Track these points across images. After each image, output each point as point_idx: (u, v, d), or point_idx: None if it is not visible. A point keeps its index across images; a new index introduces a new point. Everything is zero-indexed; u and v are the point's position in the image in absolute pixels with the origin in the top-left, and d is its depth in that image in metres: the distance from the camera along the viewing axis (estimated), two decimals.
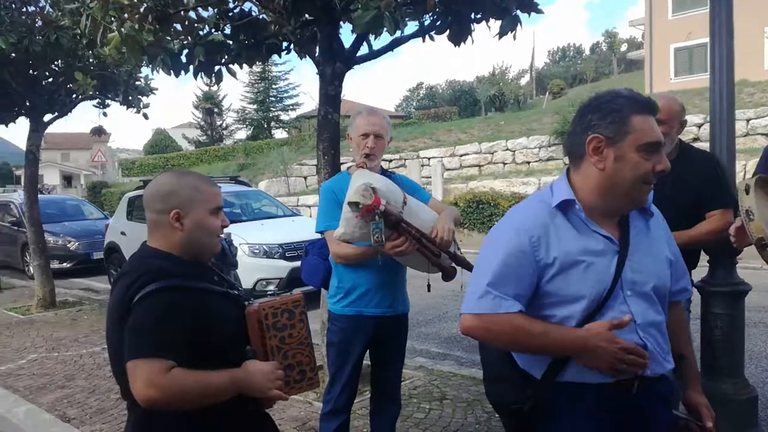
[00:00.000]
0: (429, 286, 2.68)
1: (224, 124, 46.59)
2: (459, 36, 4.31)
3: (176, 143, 43.36)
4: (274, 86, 44.39)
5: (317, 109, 4.64)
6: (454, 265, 2.64)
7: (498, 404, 1.82)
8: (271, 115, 44.75)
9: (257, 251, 7.82)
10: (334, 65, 4.49)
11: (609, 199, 1.62)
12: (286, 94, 44.89)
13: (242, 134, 45.43)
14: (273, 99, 44.75)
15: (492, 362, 1.77)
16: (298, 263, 7.86)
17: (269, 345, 1.74)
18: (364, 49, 4.62)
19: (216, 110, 45.58)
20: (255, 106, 44.56)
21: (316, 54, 4.60)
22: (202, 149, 37.05)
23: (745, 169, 11.71)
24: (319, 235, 2.98)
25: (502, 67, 41.27)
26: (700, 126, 14.93)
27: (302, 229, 8.70)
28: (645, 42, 26.89)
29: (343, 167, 3.49)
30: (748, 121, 15.32)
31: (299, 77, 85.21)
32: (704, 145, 3.24)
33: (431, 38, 4.54)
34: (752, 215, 2.27)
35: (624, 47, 42.73)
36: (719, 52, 2.98)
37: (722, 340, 2.98)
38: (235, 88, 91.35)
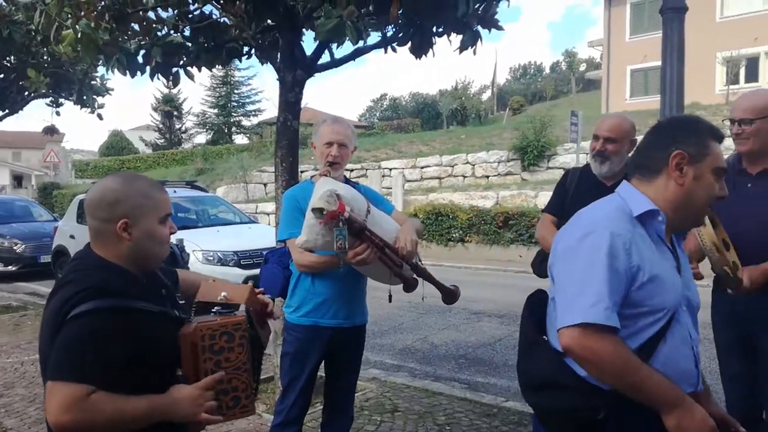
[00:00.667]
0: (390, 297, 2.68)
1: (183, 128, 45.75)
2: (421, 49, 4.34)
3: (133, 145, 42.33)
4: (236, 91, 43.90)
5: (277, 116, 4.60)
6: (415, 276, 2.64)
7: (557, 411, 1.67)
8: (232, 120, 44.20)
9: (211, 258, 7.69)
10: (295, 72, 4.46)
11: (680, 216, 1.66)
12: (248, 100, 44.47)
13: (202, 138, 44.75)
14: (235, 104, 44.22)
15: (543, 369, 1.67)
16: (254, 271, 7.76)
17: (203, 368, 1.66)
18: (326, 58, 4.61)
19: (175, 113, 44.73)
20: (216, 111, 43.93)
21: (278, 60, 4.57)
22: (159, 152, 36.30)
23: None
24: (277, 244, 2.95)
25: (464, 81, 41.86)
26: None
27: (259, 236, 8.62)
28: (603, 63, 27.67)
29: (305, 175, 3.49)
30: None
31: (262, 83, 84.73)
32: None
33: (393, 50, 4.56)
34: (729, 246, 2.43)
35: (583, 67, 43.85)
36: (670, 74, 3.08)
37: None
38: (196, 91, 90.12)
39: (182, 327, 1.68)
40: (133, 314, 1.57)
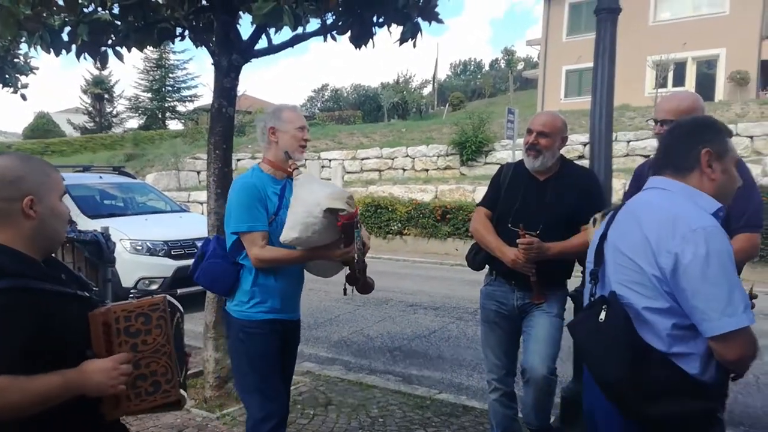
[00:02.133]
0: (345, 290, 2.73)
1: (114, 112, 43.94)
2: (360, 38, 4.29)
3: (60, 128, 40.25)
4: (171, 75, 42.44)
5: (212, 101, 4.44)
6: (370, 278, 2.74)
7: (680, 416, 1.69)
8: (166, 105, 42.79)
9: (140, 248, 7.38)
10: (231, 57, 4.32)
11: None
12: (183, 85, 43.08)
13: (134, 123, 43.11)
14: (169, 88, 42.80)
15: (661, 377, 1.69)
16: (185, 262, 7.50)
17: (117, 352, 1.59)
18: (263, 43, 4.49)
19: (106, 96, 42.89)
20: (149, 95, 42.40)
21: (212, 44, 4.42)
22: (87, 136, 34.70)
23: (624, 187, 12.60)
24: (205, 233, 2.81)
25: (406, 75, 42.03)
26: (585, 145, 15.90)
27: (190, 226, 8.34)
28: (540, 62, 28.34)
29: (242, 164, 3.37)
30: (628, 142, 16.51)
31: (199, 68, 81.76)
32: (588, 163, 3.40)
33: (333, 38, 4.49)
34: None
35: (521, 65, 44.85)
36: (601, 74, 3.15)
37: None
38: (129, 74, 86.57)
39: (94, 309, 1.63)
40: (32, 294, 1.50)
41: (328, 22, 4.44)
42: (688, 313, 1.66)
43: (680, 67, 22.83)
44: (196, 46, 4.74)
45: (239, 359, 2.65)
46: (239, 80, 4.46)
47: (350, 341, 6.19)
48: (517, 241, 2.81)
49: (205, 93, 42.60)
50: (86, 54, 4.32)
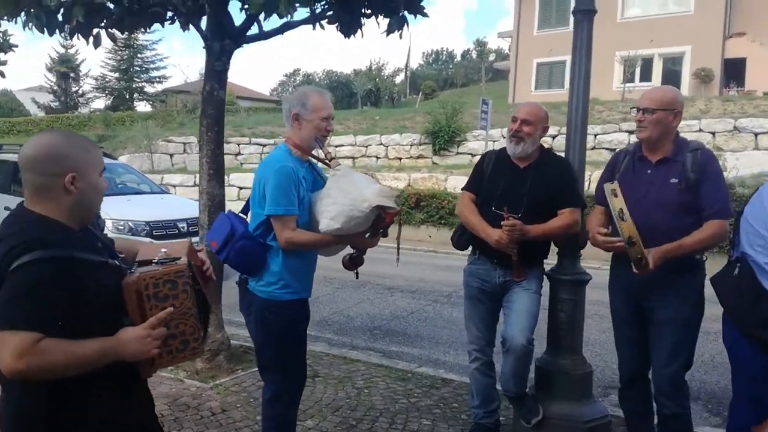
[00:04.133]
0: (357, 273, 2.91)
1: (81, 91, 42.98)
2: (349, 28, 4.46)
3: (24, 107, 39.25)
4: (139, 55, 41.67)
5: (202, 84, 4.56)
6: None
7: None
8: (134, 85, 42.02)
9: (122, 228, 7.46)
10: (223, 41, 4.46)
11: None
12: (152, 65, 42.39)
13: (100, 103, 42.23)
14: (138, 69, 42.02)
15: None
16: (167, 242, 7.58)
17: (149, 316, 1.73)
18: (254, 30, 4.63)
19: (72, 75, 41.91)
20: (117, 75, 41.57)
21: (204, 28, 4.54)
22: (54, 116, 33.92)
23: (590, 179, 13.00)
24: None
25: (378, 63, 42.07)
26: (554, 137, 16.31)
27: (172, 207, 8.44)
28: (511, 54, 28.73)
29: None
30: (595, 135, 16.99)
31: (168, 49, 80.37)
32: (564, 154, 3.63)
33: (321, 26, 4.65)
34: (624, 215, 2.64)
35: (492, 57, 45.26)
36: (578, 70, 3.39)
37: (566, 322, 3.40)
38: (95, 53, 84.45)
39: (125, 277, 1.74)
40: (74, 263, 1.62)
41: (317, 11, 4.60)
42: None
43: (647, 63, 23.46)
44: (184, 30, 4.84)
45: (265, 337, 2.72)
46: (230, 64, 4.61)
47: (331, 321, 6.40)
48: (502, 223, 3.03)
49: (174, 74, 41.89)
50: (79, 34, 4.41)
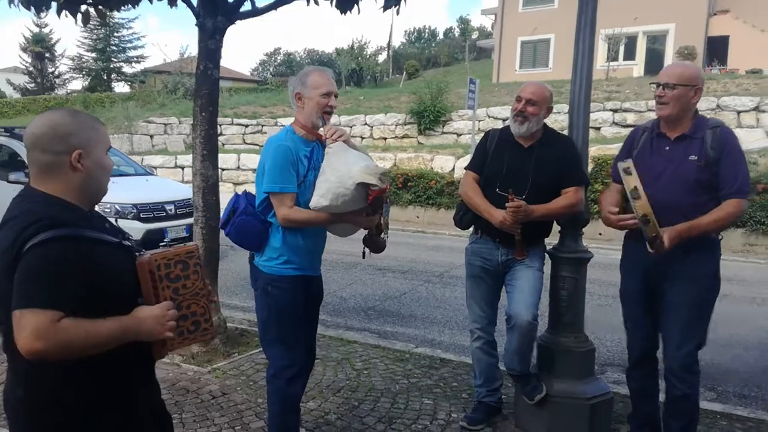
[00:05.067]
0: (364, 253, 2.91)
1: (57, 72, 42.06)
2: (346, 4, 4.38)
3: None
4: (116, 34, 40.77)
5: (196, 63, 4.44)
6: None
7: None
8: (112, 66, 41.19)
9: (108, 210, 7.31)
10: (216, 18, 4.36)
11: None
12: (129, 44, 41.54)
13: (77, 84, 41.42)
14: (114, 48, 41.15)
15: None
16: (154, 225, 7.51)
17: (162, 296, 1.73)
18: (246, 6, 4.52)
19: (47, 55, 40.94)
20: (94, 55, 40.69)
21: (196, 5, 4.42)
22: (30, 98, 33.19)
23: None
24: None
25: (361, 42, 41.62)
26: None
27: (158, 189, 8.32)
28: (495, 32, 28.60)
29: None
30: None
31: (145, 27, 78.90)
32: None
33: (316, 2, 4.56)
34: (637, 194, 2.61)
35: (476, 35, 45.05)
36: (582, 47, 3.36)
37: (567, 300, 3.41)
38: (71, 32, 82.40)
39: (138, 257, 1.74)
40: (90, 242, 1.60)
41: None
42: None
43: (631, 41, 23.52)
44: (171, 6, 4.71)
45: (267, 311, 2.79)
46: (223, 42, 4.50)
47: (325, 302, 6.24)
48: (506, 204, 3.02)
49: (153, 54, 41.12)
50: (67, 12, 4.28)
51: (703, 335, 2.90)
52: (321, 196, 2.60)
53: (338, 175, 2.57)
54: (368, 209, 2.69)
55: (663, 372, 2.98)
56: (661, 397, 3.10)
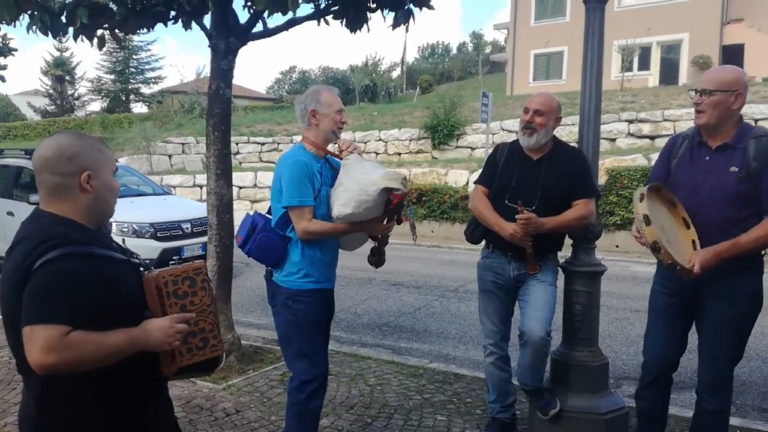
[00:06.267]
0: (373, 262, 3.00)
1: (76, 94, 42.83)
2: (356, 23, 4.43)
3: (20, 111, 39.13)
4: (134, 56, 41.48)
5: (198, 84, 4.55)
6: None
7: None
8: (130, 87, 41.89)
9: (126, 230, 7.44)
10: (228, 39, 4.43)
11: None
12: (147, 66, 42.22)
13: (96, 106, 42.11)
14: (133, 70, 41.86)
15: None
16: (171, 243, 7.59)
17: (170, 313, 1.75)
18: (258, 27, 4.59)
19: (68, 78, 41.75)
20: (113, 77, 41.41)
21: (209, 27, 4.50)
22: (50, 119, 33.82)
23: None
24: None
25: (375, 58, 41.89)
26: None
27: (175, 208, 8.42)
28: (508, 46, 28.66)
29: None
30: None
31: (163, 49, 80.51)
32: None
33: (326, 22, 4.62)
34: (648, 221, 2.51)
35: (488, 49, 45.14)
36: (591, 60, 3.36)
37: (581, 314, 3.38)
38: (90, 55, 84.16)
39: (145, 274, 1.77)
40: (99, 259, 1.64)
41: (321, 6, 4.56)
42: None
43: (645, 52, 23.41)
44: (186, 29, 4.80)
45: (287, 326, 2.83)
46: (235, 62, 4.58)
47: (339, 318, 6.37)
48: (516, 216, 3.01)
49: (169, 75, 41.79)
50: (84, 36, 4.38)
51: (741, 352, 2.78)
52: (343, 205, 2.67)
53: (359, 183, 2.65)
54: (386, 216, 2.76)
55: (695, 387, 2.89)
56: (679, 412, 3.05)
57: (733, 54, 21.62)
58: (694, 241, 2.64)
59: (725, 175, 2.64)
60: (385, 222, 2.82)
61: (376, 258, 2.99)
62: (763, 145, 2.62)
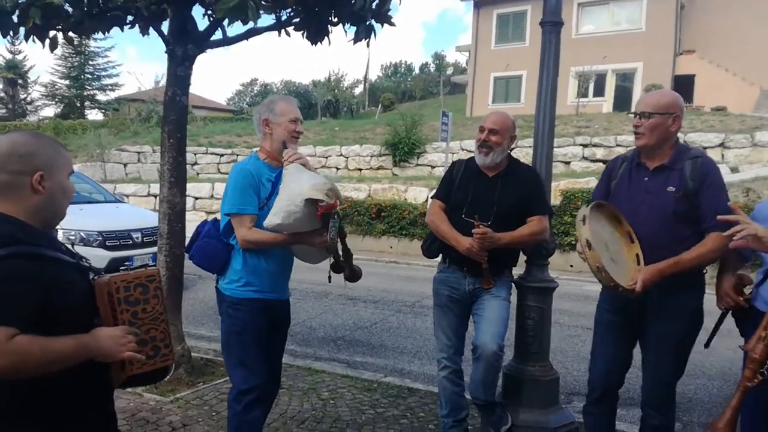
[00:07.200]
0: (330, 277, 2.88)
1: (29, 98, 41.62)
2: (317, 35, 4.43)
3: None
4: (90, 62, 40.58)
5: (156, 92, 4.47)
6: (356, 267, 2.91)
7: None
8: (85, 93, 40.90)
9: (73, 237, 7.18)
10: (186, 46, 4.37)
11: None
12: (104, 73, 41.34)
13: (50, 111, 40.95)
14: (89, 76, 40.92)
15: None
16: (119, 253, 7.37)
17: (120, 320, 1.70)
18: (217, 35, 4.55)
19: (20, 81, 40.53)
20: (67, 82, 40.40)
21: (166, 33, 4.43)
22: (1, 123, 32.70)
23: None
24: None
25: (337, 74, 42.03)
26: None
27: (126, 217, 8.20)
28: (469, 68, 29.18)
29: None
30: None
31: (122, 56, 78.98)
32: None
33: (287, 33, 4.61)
34: (590, 246, 2.52)
35: (450, 70, 45.88)
36: (546, 80, 3.45)
37: (533, 329, 3.43)
38: (44, 59, 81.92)
39: (97, 279, 1.72)
40: (45, 260, 1.58)
41: (283, 17, 4.55)
42: None
43: (601, 79, 24.19)
44: (143, 35, 4.70)
45: (228, 334, 2.79)
46: (192, 69, 4.51)
47: (294, 332, 6.28)
48: (473, 231, 3.04)
49: (127, 82, 41.03)
50: (35, 37, 4.24)
51: (682, 368, 2.83)
52: (273, 215, 2.63)
53: (289, 193, 2.61)
54: (324, 229, 2.68)
55: (639, 402, 2.93)
56: (627, 428, 3.11)
57: (684, 84, 22.52)
58: (638, 255, 2.68)
59: (663, 194, 2.70)
60: (321, 235, 2.70)
61: (347, 272, 2.90)
62: (698, 165, 2.70)
